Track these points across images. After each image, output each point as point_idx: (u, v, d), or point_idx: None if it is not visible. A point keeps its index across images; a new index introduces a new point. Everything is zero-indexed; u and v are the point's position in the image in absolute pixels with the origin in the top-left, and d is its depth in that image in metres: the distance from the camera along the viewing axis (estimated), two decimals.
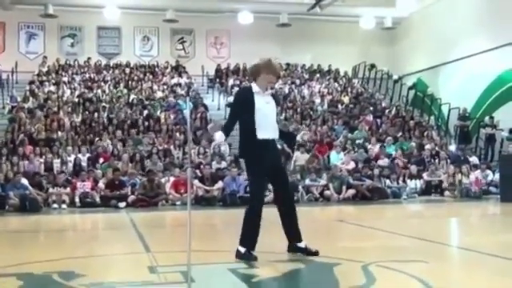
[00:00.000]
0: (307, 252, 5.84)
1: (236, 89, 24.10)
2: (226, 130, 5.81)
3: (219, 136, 5.79)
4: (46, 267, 5.59)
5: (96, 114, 20.52)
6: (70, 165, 16.82)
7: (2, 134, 19.04)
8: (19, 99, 21.89)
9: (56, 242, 8.59)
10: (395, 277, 4.96)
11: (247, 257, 5.64)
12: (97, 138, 18.57)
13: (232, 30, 27.94)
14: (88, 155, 17.32)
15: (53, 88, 22.79)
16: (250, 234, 5.70)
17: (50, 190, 14.76)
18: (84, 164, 16.80)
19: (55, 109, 20.70)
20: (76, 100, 21.75)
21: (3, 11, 25.29)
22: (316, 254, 5.82)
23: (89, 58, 25.91)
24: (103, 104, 21.44)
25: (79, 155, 17.20)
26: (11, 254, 6.88)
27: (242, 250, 5.69)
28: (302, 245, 5.90)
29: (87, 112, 20.62)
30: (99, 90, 22.85)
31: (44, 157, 17.03)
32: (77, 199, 14.73)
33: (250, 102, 5.68)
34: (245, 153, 5.97)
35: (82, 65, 25.60)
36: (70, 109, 20.87)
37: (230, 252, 5.84)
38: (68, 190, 14.86)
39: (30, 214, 13.20)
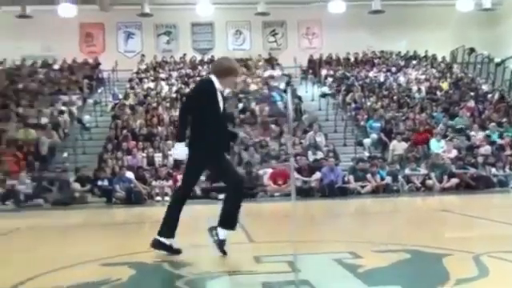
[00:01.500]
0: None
1: (329, 79, 23.94)
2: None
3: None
4: (156, 257, 5.76)
5: None
6: (171, 158, 17.29)
7: (106, 131, 19.89)
8: (120, 96, 22.77)
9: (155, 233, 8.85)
10: (510, 268, 4.72)
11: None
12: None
13: (323, 19, 27.68)
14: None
15: (151, 84, 23.55)
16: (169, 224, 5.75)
17: (153, 182, 15.28)
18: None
19: (154, 104, 21.35)
20: (174, 95, 22.33)
21: (102, 12, 26.40)
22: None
23: (184, 54, 26.56)
24: None
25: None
26: (121, 244, 7.16)
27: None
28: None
29: None
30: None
31: (146, 151, 17.63)
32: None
33: (214, 97, 5.63)
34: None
35: (178, 61, 26.28)
36: (168, 104, 21.45)
37: (334, 242, 5.79)
38: (170, 182, 15.31)
39: (135, 206, 13.70)
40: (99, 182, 15.32)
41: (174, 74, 24.78)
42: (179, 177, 15.25)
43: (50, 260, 5.76)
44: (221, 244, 5.74)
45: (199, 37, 28.24)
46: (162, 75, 24.55)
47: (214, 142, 5.57)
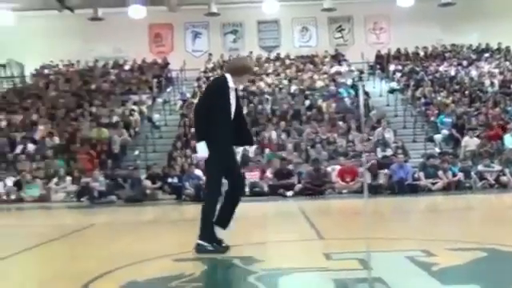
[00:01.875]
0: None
1: (398, 74, 23.51)
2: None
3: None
4: (226, 253, 5.82)
5: (260, 106, 21.07)
6: (238, 156, 17.40)
7: (175, 129, 20.27)
8: (188, 95, 23.13)
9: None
10: None
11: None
12: (262, 129, 19.05)
13: (391, 14, 27.24)
14: (254, 146, 17.83)
15: None
16: (207, 227, 5.78)
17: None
18: (251, 155, 17.31)
19: None
20: (240, 94, 22.46)
21: (170, 13, 26.89)
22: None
23: (250, 52, 26.68)
24: (266, 96, 21.94)
25: (246, 146, 17.75)
26: (192, 240, 7.23)
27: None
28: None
29: (252, 104, 21.24)
30: (262, 83, 23.42)
31: None
32: (246, 188, 15.23)
33: (227, 95, 5.66)
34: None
35: None
36: None
37: (405, 240, 5.68)
38: None
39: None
40: (169, 180, 15.62)
41: None
42: (247, 174, 15.40)
43: (124, 255, 5.92)
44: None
45: (265, 34, 28.35)
46: None
47: (226, 140, 5.65)
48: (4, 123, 20.78)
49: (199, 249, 5.68)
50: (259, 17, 27.93)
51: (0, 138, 19.30)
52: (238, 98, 5.82)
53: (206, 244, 5.68)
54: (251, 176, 15.55)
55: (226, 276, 4.77)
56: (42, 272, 5.21)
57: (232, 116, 5.68)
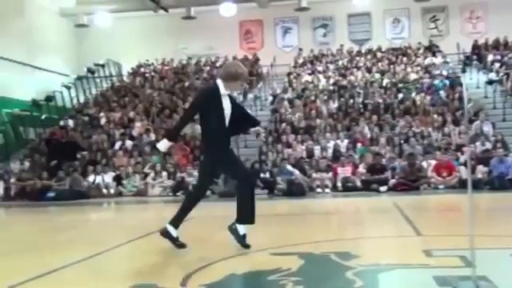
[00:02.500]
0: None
1: (496, 64, 22.49)
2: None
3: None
4: (322, 247, 5.81)
5: (351, 101, 20.84)
6: (330, 151, 17.33)
7: (266, 124, 20.40)
8: (279, 91, 23.22)
9: (325, 224, 8.90)
10: None
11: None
12: (353, 124, 18.84)
13: (489, 2, 26.11)
14: (346, 141, 17.68)
15: (309, 78, 23.74)
16: (182, 218, 5.98)
17: (313, 175, 15.40)
18: (343, 150, 17.17)
19: (312, 98, 21.51)
20: (331, 88, 22.33)
21: (260, 9, 27.06)
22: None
23: (341, 46, 26.43)
24: (357, 90, 21.66)
25: (338, 141, 17.63)
26: (287, 235, 7.30)
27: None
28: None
29: (342, 99, 21.04)
30: (352, 77, 23.15)
31: (305, 144, 17.83)
32: (338, 184, 15.16)
33: (218, 103, 5.71)
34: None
35: (335, 53, 26.22)
36: (326, 97, 21.51)
37: (510, 237, 5.43)
38: (330, 174, 15.36)
39: (296, 197, 13.90)
40: (261, 175, 15.76)
41: (331, 66, 24.78)
42: (339, 169, 15.32)
43: (222, 248, 6.04)
44: (242, 239, 5.95)
45: (356, 28, 27.96)
46: (319, 68, 24.66)
47: (216, 145, 5.78)
48: (104, 120, 21.73)
49: (164, 232, 5.89)
50: (350, 10, 27.59)
51: (100, 134, 20.19)
52: (233, 103, 5.87)
53: (172, 230, 5.88)
54: (343, 171, 15.43)
55: (324, 271, 4.75)
56: (145, 263, 5.40)
57: (227, 121, 5.73)
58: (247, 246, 5.86)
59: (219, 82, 5.76)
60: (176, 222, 5.92)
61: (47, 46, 26.29)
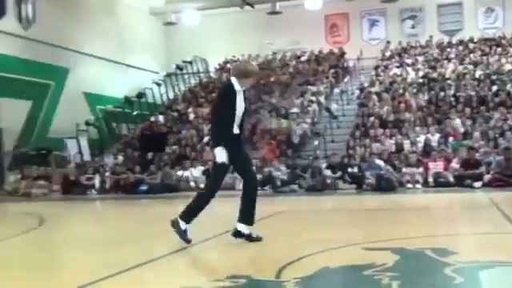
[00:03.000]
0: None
1: None
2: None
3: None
4: (416, 243, 5.65)
5: (442, 93, 20.18)
6: (420, 145, 16.87)
7: (353, 119, 20.16)
8: (366, 84, 22.85)
9: (418, 220, 8.65)
10: None
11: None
12: (445, 117, 18.23)
13: None
14: (437, 135, 17.14)
15: (397, 71, 23.21)
16: (193, 213, 6.01)
17: (404, 169, 15.04)
18: (434, 144, 16.67)
19: (401, 91, 21.00)
20: (420, 80, 21.72)
21: (346, 2, 26.74)
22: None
23: (430, 37, 25.67)
24: (449, 82, 20.95)
25: (428, 135, 17.12)
26: (378, 230, 7.16)
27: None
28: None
29: (433, 92, 20.41)
30: (443, 69, 22.42)
31: (394, 138, 17.44)
32: (430, 179, 14.73)
33: (233, 99, 5.95)
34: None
35: (424, 45, 25.49)
36: (415, 90, 20.94)
37: None
38: (420, 169, 14.95)
39: (386, 192, 13.63)
40: (349, 169, 15.57)
41: (420, 58, 24.10)
42: (431, 164, 14.88)
43: (314, 242, 6.00)
44: (249, 237, 5.99)
45: (446, 18, 27.04)
46: (408, 60, 24.05)
47: (231, 142, 5.96)
48: (192, 116, 22.20)
49: (174, 222, 6.01)
50: (440, 0, 26.73)
51: (189, 129, 20.64)
52: (245, 98, 6.12)
53: (182, 223, 5.96)
54: (435, 166, 14.97)
55: (421, 267, 4.61)
56: (236, 255, 5.45)
57: (240, 117, 6.02)
58: (258, 239, 6.00)
59: (233, 79, 6.05)
60: (187, 217, 6.02)
61: (137, 44, 27.15)
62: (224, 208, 12.44)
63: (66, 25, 22.48)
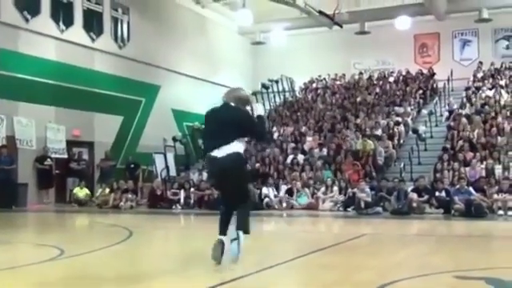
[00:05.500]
0: None
1: None
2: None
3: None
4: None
5: None
6: None
7: (441, 141, 19.58)
8: (456, 106, 22.19)
9: (510, 249, 8.25)
10: None
11: None
12: None
13: None
14: None
15: (489, 93, 22.40)
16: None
17: (495, 196, 14.42)
18: None
19: (493, 114, 20.23)
20: None
21: (437, 22, 26.18)
22: None
23: None
24: None
25: None
26: (470, 258, 6.88)
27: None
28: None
29: None
30: None
31: (485, 162, 16.79)
32: None
33: None
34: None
35: None
36: (508, 113, 20.11)
37: None
38: None
39: (475, 219, 13.10)
40: (437, 193, 15.10)
41: None
42: None
43: (401, 267, 5.86)
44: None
45: None
46: (502, 82, 23.16)
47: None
48: (276, 134, 22.29)
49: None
50: None
51: (273, 148, 20.70)
52: None
53: (241, 236, 5.83)
54: None
55: None
56: (324, 278, 5.37)
57: None
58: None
59: (232, 104, 6.19)
60: (246, 227, 5.96)
61: (225, 62, 27.66)
62: (306, 227, 12.35)
63: (158, 44, 23.27)
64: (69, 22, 19.76)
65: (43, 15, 18.84)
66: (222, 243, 5.77)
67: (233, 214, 6.04)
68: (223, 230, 5.96)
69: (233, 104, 6.13)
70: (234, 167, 5.82)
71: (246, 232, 5.89)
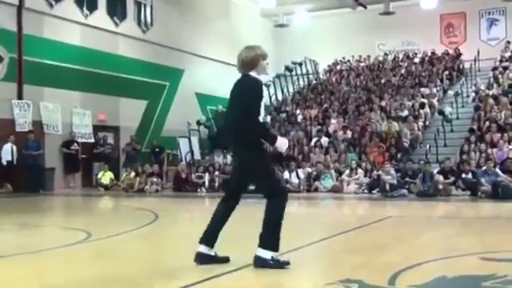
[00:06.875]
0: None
1: None
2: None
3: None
4: None
5: None
6: None
7: (467, 122, 19.32)
8: (483, 87, 21.84)
9: None
10: None
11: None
12: None
13: None
14: None
15: None
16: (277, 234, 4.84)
17: None
18: None
19: None
20: None
21: (464, 2, 25.80)
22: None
23: None
24: None
25: None
26: (497, 240, 6.82)
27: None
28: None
29: None
30: None
31: None
32: None
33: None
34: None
35: None
36: None
37: None
38: None
39: (503, 200, 12.94)
40: (463, 175, 14.94)
41: None
42: None
43: (428, 249, 5.83)
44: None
45: None
46: None
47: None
48: (300, 117, 22.21)
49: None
50: None
51: (297, 130, 20.65)
52: None
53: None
54: None
55: None
56: (348, 260, 5.35)
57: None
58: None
59: (253, 73, 5.05)
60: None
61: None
62: (331, 210, 12.34)
63: (181, 28, 23.27)
64: (93, 7, 19.87)
65: (67, 0, 18.94)
66: None
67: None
68: None
69: (250, 74, 5.05)
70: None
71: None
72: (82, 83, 19.10)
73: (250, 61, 5.06)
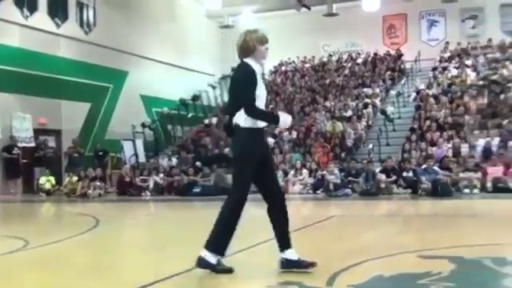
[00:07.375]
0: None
1: None
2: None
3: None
4: (474, 252, 5.48)
5: (502, 96, 19.54)
6: (479, 149, 16.40)
7: (409, 122, 19.78)
8: (423, 86, 22.38)
9: (476, 227, 8.36)
10: None
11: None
12: (505, 121, 17.64)
13: None
14: (497, 139, 16.61)
15: (456, 72, 22.63)
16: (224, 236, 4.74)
17: (461, 174, 14.64)
18: (494, 148, 16.16)
19: (459, 93, 20.47)
20: (480, 83, 21.09)
21: (405, 3, 26.40)
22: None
23: (489, 40, 24.85)
24: (509, 84, 20.26)
25: (488, 139, 16.61)
26: (435, 237, 6.97)
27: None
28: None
29: (493, 94, 19.79)
30: (504, 70, 21.69)
31: (451, 142, 17.01)
32: (488, 184, 14.29)
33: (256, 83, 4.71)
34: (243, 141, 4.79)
35: (484, 46, 24.73)
36: (475, 92, 20.35)
37: None
38: (478, 174, 14.52)
39: (442, 198, 13.28)
40: (404, 174, 15.27)
41: (481, 59, 23.40)
42: (489, 169, 14.43)
43: (367, 248, 5.90)
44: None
45: (510, 18, 26.09)
46: (468, 62, 23.39)
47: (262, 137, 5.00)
48: None
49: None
50: (502, 0, 25.91)
51: None
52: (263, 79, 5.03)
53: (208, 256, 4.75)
54: (494, 171, 14.50)
55: (478, 277, 4.45)
56: None
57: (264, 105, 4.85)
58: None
59: (249, 60, 4.79)
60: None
61: (194, 47, 27.40)
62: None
63: (125, 29, 22.91)
64: (33, 8, 19.36)
65: (7, 1, 18.40)
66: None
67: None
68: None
69: (246, 60, 4.80)
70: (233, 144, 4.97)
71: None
72: (21, 86, 18.54)
73: (246, 47, 4.80)
